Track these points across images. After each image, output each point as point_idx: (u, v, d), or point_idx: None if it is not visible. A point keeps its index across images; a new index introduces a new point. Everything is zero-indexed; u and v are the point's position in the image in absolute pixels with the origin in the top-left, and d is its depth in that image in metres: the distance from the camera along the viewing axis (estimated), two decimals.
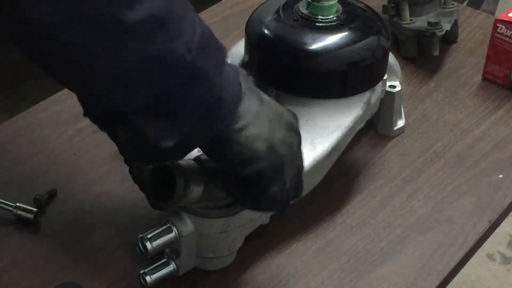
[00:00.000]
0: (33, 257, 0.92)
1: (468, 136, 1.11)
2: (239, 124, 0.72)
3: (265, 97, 0.77)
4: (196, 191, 0.79)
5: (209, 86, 0.67)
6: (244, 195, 0.80)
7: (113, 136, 0.73)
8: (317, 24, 0.97)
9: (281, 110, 0.79)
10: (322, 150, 0.93)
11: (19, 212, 0.95)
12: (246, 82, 0.73)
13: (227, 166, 0.77)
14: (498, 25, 1.16)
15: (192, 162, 0.81)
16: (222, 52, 0.70)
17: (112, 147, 0.84)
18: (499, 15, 1.18)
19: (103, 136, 0.76)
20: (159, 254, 0.87)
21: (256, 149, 0.74)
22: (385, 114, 1.08)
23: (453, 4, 1.25)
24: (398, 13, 1.23)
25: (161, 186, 0.79)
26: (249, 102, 0.73)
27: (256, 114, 0.74)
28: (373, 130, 1.10)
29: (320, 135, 0.94)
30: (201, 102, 0.67)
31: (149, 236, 0.83)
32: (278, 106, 0.79)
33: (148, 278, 0.85)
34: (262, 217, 0.91)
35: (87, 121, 0.74)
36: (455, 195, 1.02)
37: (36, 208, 0.95)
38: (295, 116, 0.84)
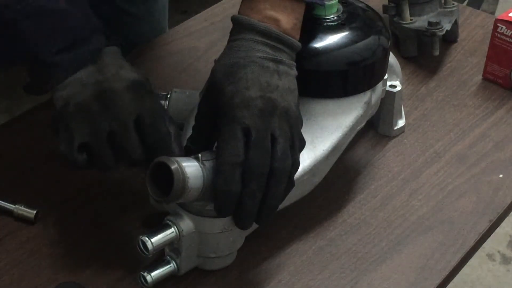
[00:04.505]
0: (33, 257, 0.92)
1: (468, 136, 1.11)
2: None
3: None
4: (194, 188, 0.79)
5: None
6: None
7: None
8: (318, 23, 0.96)
9: None
10: (323, 150, 0.93)
11: (19, 212, 0.95)
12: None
13: None
14: (498, 25, 1.16)
15: (192, 160, 0.81)
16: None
17: None
18: (499, 15, 1.18)
19: None
20: (160, 253, 0.87)
21: None
22: (385, 114, 1.08)
23: (453, 4, 1.25)
24: (399, 13, 1.23)
25: (161, 182, 0.79)
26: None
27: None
28: (373, 130, 1.10)
29: (321, 135, 0.94)
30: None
31: (150, 235, 0.83)
32: None
33: (148, 278, 0.85)
34: None
35: None
36: (455, 195, 1.02)
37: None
38: (300, 118, 0.84)
